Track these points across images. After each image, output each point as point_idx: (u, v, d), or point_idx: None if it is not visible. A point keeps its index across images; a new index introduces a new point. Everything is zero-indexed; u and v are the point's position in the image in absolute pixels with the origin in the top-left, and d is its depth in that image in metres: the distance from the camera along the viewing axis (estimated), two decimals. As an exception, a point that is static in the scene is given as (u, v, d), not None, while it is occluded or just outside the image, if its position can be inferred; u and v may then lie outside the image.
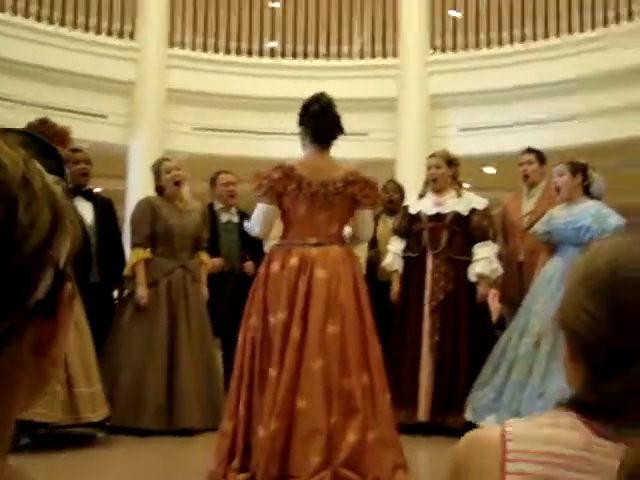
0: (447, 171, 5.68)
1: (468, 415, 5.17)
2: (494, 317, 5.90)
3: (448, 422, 5.36)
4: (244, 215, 6.22)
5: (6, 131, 0.69)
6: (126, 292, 5.54)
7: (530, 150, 6.18)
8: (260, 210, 4.11)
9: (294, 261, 3.94)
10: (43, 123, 4.86)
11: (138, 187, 9.54)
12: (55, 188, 0.67)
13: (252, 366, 3.91)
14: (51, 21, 10.26)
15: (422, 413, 5.42)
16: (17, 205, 0.62)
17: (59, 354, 0.68)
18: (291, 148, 10.18)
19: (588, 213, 5.06)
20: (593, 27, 10.35)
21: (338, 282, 3.92)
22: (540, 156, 6.10)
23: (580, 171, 5.19)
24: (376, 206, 4.40)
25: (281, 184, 4.02)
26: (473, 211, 5.59)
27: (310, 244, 3.99)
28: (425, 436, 5.30)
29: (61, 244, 0.65)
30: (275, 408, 3.73)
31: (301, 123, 4.15)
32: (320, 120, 4.09)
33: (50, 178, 0.68)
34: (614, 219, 5.03)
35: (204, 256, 5.73)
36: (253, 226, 4.20)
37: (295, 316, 3.84)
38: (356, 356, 3.85)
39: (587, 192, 5.21)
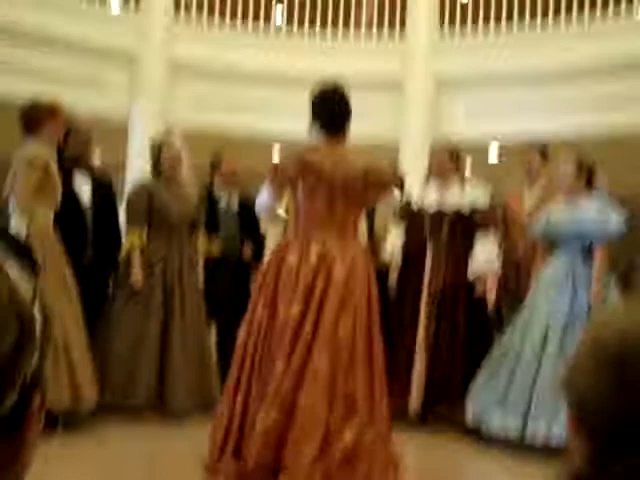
0: (450, 163, 5.61)
1: (469, 417, 5.09)
2: (489, 306, 5.82)
3: (440, 412, 5.35)
4: (245, 200, 6.15)
5: None
6: (121, 275, 5.47)
7: (533, 144, 6.11)
8: (267, 191, 4.05)
9: (313, 256, 3.87)
10: (34, 106, 4.79)
11: (138, 158, 9.46)
12: (23, 297, 0.61)
13: (254, 355, 3.87)
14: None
15: (414, 404, 5.39)
16: None
17: (24, 472, 0.62)
18: (289, 123, 10.13)
19: (588, 216, 4.97)
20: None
21: (355, 282, 3.87)
22: (543, 150, 6.02)
23: (586, 169, 5.09)
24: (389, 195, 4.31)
25: (298, 176, 3.95)
26: (476, 205, 5.53)
27: (329, 238, 3.92)
28: (417, 427, 5.28)
29: (28, 360, 0.60)
30: (276, 400, 3.71)
31: (312, 111, 4.06)
32: (332, 110, 4.02)
33: (20, 283, 0.62)
34: (615, 223, 4.94)
35: (201, 240, 5.67)
36: (261, 205, 4.13)
37: (309, 311, 3.78)
38: (362, 358, 3.82)
39: (590, 188, 5.12)
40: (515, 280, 5.72)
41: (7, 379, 0.58)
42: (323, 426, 3.67)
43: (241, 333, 3.97)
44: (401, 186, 6.39)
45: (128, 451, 4.62)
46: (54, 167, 4.76)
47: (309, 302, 3.80)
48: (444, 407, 5.36)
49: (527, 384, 4.83)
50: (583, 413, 1.02)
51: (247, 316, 3.97)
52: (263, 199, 4.09)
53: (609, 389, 0.98)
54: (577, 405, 1.03)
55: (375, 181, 4.01)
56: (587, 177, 5.08)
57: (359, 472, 3.69)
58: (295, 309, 3.79)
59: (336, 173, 3.93)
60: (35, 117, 4.74)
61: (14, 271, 0.62)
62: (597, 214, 4.94)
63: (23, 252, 0.65)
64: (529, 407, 4.79)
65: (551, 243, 5.18)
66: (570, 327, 4.79)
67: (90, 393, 4.72)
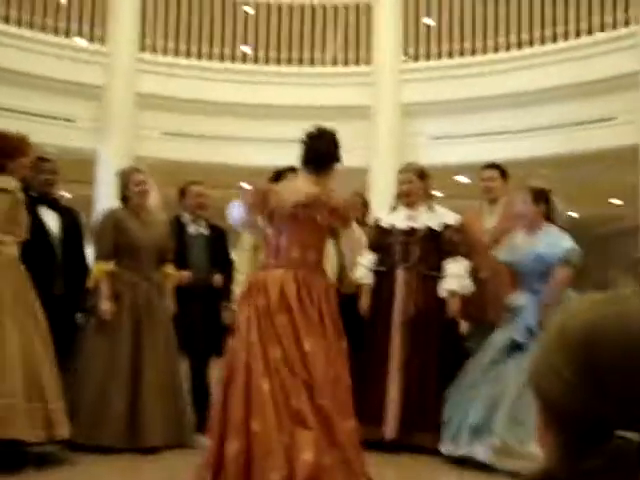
0: (419, 184, 5.63)
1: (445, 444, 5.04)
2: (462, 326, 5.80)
3: (415, 440, 5.30)
4: (214, 228, 6.12)
5: None
6: (89, 305, 5.39)
7: (492, 165, 6.08)
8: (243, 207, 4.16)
9: (255, 284, 4.02)
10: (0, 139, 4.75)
11: (106, 192, 9.40)
12: None
13: (226, 385, 3.91)
14: (19, 23, 10.08)
15: (390, 430, 5.32)
16: None
17: None
18: (260, 154, 10.18)
19: (540, 240, 5.05)
20: (566, 38, 10.37)
21: (288, 306, 3.93)
22: (502, 171, 5.99)
23: (542, 199, 5.16)
24: (348, 225, 4.31)
25: (259, 205, 4.11)
26: (445, 226, 5.54)
27: (271, 267, 4.05)
28: (392, 454, 5.22)
29: None
30: (236, 429, 3.73)
31: (301, 149, 4.21)
32: (312, 146, 4.16)
33: None
34: (565, 243, 5.01)
35: (170, 269, 5.61)
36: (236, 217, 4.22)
37: (249, 339, 3.88)
38: (309, 378, 3.83)
39: (549, 218, 5.17)
40: (479, 300, 5.63)
41: None
42: (280, 448, 3.66)
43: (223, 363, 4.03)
44: (365, 209, 6.36)
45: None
46: (21, 199, 4.72)
47: (249, 329, 3.91)
48: (420, 432, 5.31)
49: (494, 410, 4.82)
50: (552, 405, 1.00)
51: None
52: (238, 212, 4.15)
53: (580, 380, 0.97)
54: (545, 398, 1.01)
55: (332, 213, 4.09)
56: (544, 204, 5.14)
57: None
58: (243, 338, 3.89)
59: (286, 203, 4.00)
60: (1, 150, 4.69)
61: None
62: (546, 242, 5.02)
63: None
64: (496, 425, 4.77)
65: (515, 273, 5.24)
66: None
67: (63, 426, 4.61)
